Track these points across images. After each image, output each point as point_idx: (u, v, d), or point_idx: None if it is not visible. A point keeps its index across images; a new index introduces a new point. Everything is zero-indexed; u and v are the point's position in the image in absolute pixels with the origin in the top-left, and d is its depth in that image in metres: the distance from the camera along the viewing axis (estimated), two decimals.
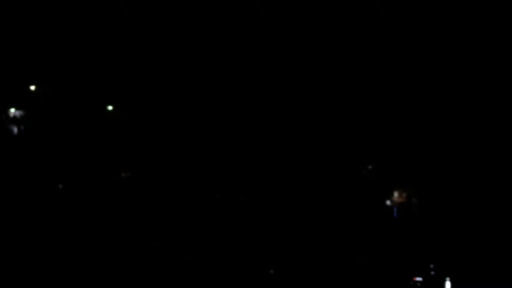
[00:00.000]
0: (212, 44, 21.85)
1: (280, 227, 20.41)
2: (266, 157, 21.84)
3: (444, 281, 18.29)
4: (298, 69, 21.85)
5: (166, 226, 20.35)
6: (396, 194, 20.82)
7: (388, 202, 20.78)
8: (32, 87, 21.17)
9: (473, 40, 20.79)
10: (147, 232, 20.10)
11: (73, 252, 19.23)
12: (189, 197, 21.06)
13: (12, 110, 20.99)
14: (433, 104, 20.95)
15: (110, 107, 21.50)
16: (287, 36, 21.85)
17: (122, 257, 19.41)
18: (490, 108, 20.46)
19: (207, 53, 21.86)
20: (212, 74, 21.94)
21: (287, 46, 21.86)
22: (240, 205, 21.09)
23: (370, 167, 21.27)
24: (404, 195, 20.78)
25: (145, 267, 19.35)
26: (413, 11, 21.11)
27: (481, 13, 20.60)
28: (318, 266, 19.48)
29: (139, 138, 21.54)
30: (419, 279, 18.56)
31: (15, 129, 20.96)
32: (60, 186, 20.54)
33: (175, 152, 21.63)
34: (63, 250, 19.25)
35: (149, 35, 21.67)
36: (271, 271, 19.69)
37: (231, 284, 19.28)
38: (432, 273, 18.84)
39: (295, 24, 21.77)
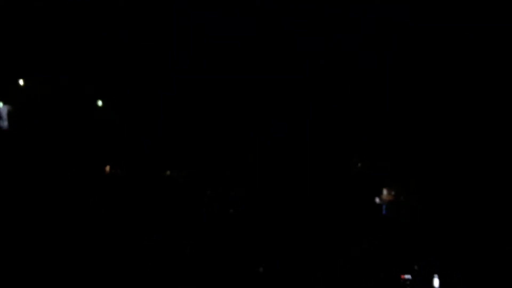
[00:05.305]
0: (210, 41, 21.94)
1: (272, 225, 20.44)
2: (260, 155, 22.01)
3: (433, 278, 18.30)
4: (295, 69, 21.99)
5: (163, 221, 20.37)
6: (385, 192, 20.88)
7: (377, 200, 20.85)
8: (21, 82, 21.13)
9: (472, 40, 20.90)
10: (144, 227, 20.09)
11: (71, 247, 19.17)
12: (186, 192, 21.15)
13: (0, 104, 20.96)
14: (424, 102, 21.02)
15: (100, 103, 21.48)
16: (287, 35, 21.96)
17: (121, 252, 19.36)
18: (482, 104, 20.52)
19: (205, 50, 21.95)
20: (210, 72, 22.05)
21: (285, 46, 21.99)
22: (234, 199, 21.21)
23: (359, 165, 21.33)
24: (393, 193, 20.83)
25: (144, 261, 19.30)
26: (414, 12, 21.20)
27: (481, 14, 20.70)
28: (308, 264, 19.49)
29: (131, 134, 21.57)
30: (408, 276, 18.55)
31: (5, 124, 20.94)
32: (52, 181, 20.51)
33: (172, 148, 21.74)
34: (62, 241, 19.19)
35: (145, 30, 21.71)
36: (261, 269, 19.70)
37: (230, 278, 19.29)
38: (416, 268, 18.82)
39: (294, 24, 21.89)
